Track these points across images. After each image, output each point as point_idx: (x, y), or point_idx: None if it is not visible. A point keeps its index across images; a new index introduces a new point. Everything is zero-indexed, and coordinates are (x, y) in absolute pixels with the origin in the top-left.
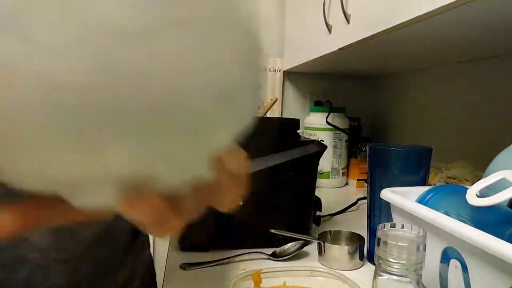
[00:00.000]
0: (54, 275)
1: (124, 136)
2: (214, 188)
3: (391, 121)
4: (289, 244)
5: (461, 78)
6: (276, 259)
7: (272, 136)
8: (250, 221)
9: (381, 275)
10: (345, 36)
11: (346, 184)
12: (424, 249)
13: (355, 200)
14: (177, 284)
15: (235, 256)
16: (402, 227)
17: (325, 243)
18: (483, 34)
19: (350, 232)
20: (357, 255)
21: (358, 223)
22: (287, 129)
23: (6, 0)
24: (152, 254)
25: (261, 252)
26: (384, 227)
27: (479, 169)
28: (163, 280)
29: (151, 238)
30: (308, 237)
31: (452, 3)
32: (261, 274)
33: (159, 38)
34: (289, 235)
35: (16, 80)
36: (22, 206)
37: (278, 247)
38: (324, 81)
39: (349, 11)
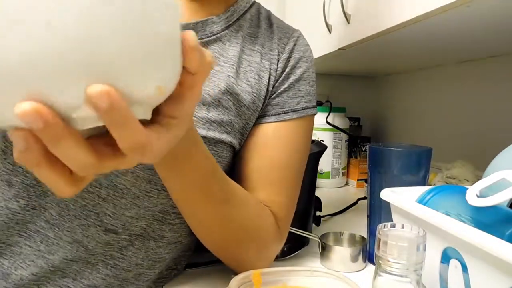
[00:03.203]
0: None
1: None
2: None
3: (391, 121)
4: (288, 245)
5: (461, 78)
6: (276, 259)
7: None
8: None
9: (381, 275)
10: (345, 36)
11: (346, 184)
12: (424, 249)
13: (355, 200)
14: (177, 284)
15: None
16: (402, 227)
17: (328, 244)
18: (483, 34)
19: (352, 233)
20: (360, 257)
21: (358, 223)
22: None
23: None
24: None
25: None
26: (384, 227)
27: (479, 169)
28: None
29: None
30: (310, 234)
31: (452, 3)
32: (261, 274)
33: None
34: (290, 229)
35: None
36: None
37: None
38: (324, 81)
39: (349, 11)
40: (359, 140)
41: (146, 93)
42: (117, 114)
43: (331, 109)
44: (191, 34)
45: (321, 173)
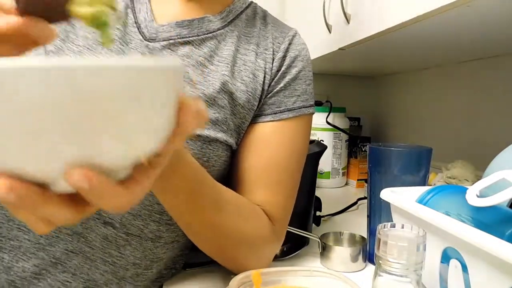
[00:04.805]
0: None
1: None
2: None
3: (391, 121)
4: (288, 245)
5: (461, 78)
6: (276, 259)
7: None
8: None
9: (381, 275)
10: (345, 36)
11: (346, 184)
12: (424, 249)
13: (355, 200)
14: (177, 284)
15: None
16: (402, 227)
17: (328, 244)
18: (483, 34)
19: (352, 233)
20: (360, 257)
21: (358, 223)
22: None
23: None
24: None
25: None
26: (384, 227)
27: (479, 169)
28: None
29: None
30: (310, 234)
31: (452, 3)
32: (261, 274)
33: None
34: (289, 229)
35: None
36: None
37: None
38: (324, 81)
39: (349, 11)
40: (359, 140)
41: (131, 162)
42: (96, 191)
43: (331, 109)
44: (191, 105)
45: (321, 173)
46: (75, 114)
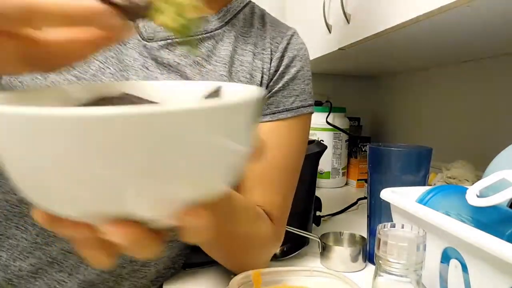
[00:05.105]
0: None
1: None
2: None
3: (391, 121)
4: (288, 244)
5: (461, 78)
6: (276, 259)
7: None
8: None
9: (381, 275)
10: (345, 36)
11: (346, 184)
12: (424, 249)
13: (355, 200)
14: (177, 284)
15: None
16: (402, 227)
17: (328, 244)
18: (483, 34)
19: (352, 233)
20: (360, 257)
21: (358, 223)
22: None
23: None
24: None
25: None
26: (384, 227)
27: (479, 169)
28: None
29: None
30: (310, 234)
31: (452, 3)
32: (261, 274)
33: None
34: (289, 229)
35: None
36: None
37: None
38: (324, 81)
39: (349, 11)
40: (359, 140)
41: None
42: (200, 227)
43: (331, 109)
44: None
45: (321, 173)
46: (189, 159)
